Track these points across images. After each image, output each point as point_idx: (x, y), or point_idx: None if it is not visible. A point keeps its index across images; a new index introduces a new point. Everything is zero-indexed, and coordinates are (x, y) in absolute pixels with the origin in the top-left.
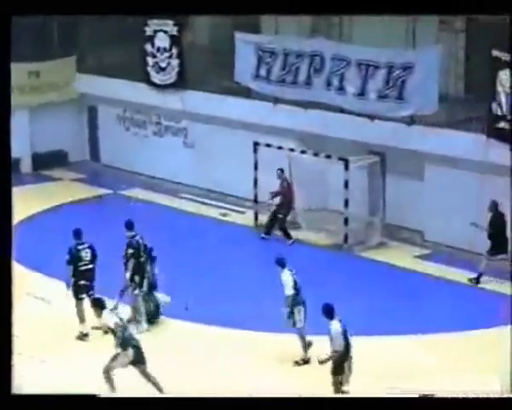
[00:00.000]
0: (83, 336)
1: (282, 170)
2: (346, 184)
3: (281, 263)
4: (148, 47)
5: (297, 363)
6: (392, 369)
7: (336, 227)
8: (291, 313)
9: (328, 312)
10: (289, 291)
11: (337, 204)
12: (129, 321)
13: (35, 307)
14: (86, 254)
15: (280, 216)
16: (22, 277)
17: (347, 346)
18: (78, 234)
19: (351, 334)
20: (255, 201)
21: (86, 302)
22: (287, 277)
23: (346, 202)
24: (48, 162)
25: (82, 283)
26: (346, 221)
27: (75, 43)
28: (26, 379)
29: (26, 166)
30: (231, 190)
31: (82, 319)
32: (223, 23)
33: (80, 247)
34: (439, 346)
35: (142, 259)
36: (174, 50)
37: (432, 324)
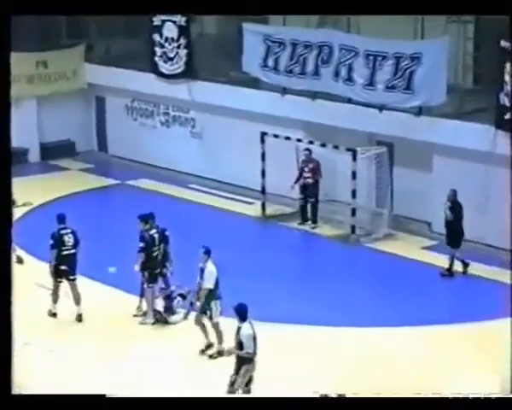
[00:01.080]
0: (52, 315)
1: (309, 150)
2: (354, 175)
3: (208, 253)
4: (156, 37)
5: (210, 355)
6: (395, 362)
7: (343, 218)
8: (208, 307)
9: (241, 313)
10: (210, 285)
11: (345, 195)
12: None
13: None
14: (69, 239)
15: (312, 200)
16: (26, 267)
17: (254, 351)
18: (61, 219)
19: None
20: (262, 191)
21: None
22: (212, 268)
23: (354, 193)
24: (55, 152)
25: (63, 268)
26: (353, 212)
27: (83, 32)
28: (31, 373)
29: (34, 155)
30: (239, 180)
31: (55, 301)
32: None
33: (63, 231)
34: (444, 338)
35: (155, 254)
36: (182, 40)
37: (439, 315)
